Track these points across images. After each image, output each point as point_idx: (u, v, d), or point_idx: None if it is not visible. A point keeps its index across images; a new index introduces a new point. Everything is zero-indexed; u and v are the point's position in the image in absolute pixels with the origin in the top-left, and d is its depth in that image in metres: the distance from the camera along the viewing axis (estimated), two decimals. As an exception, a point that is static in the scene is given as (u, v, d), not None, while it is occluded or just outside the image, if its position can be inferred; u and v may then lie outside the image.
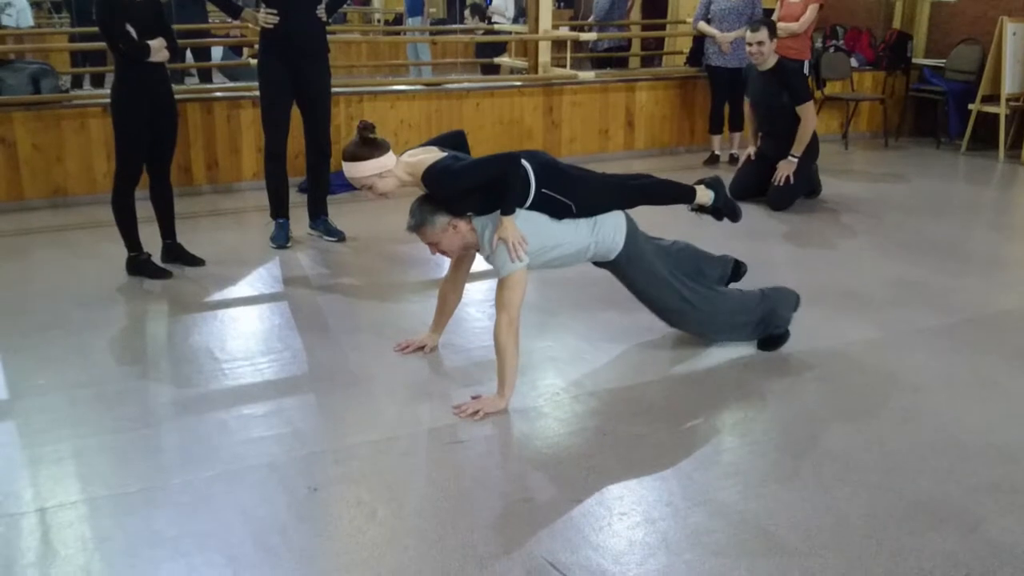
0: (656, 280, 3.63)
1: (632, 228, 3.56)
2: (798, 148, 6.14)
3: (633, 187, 3.67)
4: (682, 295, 3.64)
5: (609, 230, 3.49)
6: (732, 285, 3.98)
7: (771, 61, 6.16)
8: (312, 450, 2.99)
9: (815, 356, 3.76)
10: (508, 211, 3.24)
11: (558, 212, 3.40)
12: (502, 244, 3.22)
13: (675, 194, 3.81)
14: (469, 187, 3.22)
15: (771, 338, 3.78)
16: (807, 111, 6.14)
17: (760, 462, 2.96)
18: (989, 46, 8.04)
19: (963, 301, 4.44)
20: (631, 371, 3.63)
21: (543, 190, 3.35)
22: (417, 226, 3.29)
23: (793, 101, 6.11)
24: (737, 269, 3.99)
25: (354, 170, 3.25)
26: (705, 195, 3.81)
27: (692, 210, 3.88)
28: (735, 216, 3.91)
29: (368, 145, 3.23)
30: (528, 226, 3.29)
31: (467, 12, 10.82)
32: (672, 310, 3.71)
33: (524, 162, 3.32)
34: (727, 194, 3.87)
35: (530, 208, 3.35)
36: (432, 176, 3.20)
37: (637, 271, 3.62)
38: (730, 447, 3.07)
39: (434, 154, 3.30)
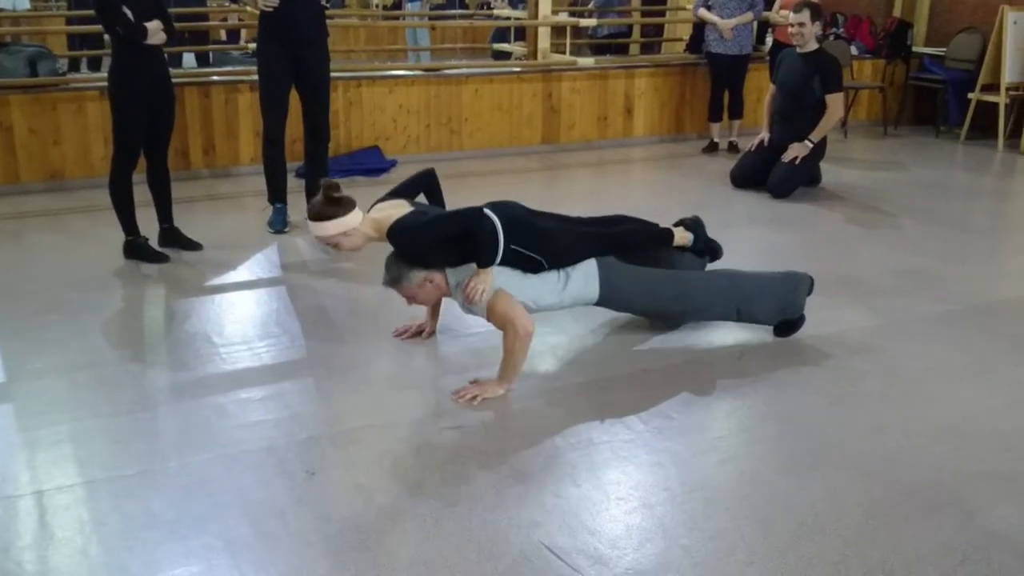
0: (644, 299, 3.66)
1: (606, 272, 3.54)
2: (817, 135, 6.15)
3: (607, 235, 3.66)
4: (673, 297, 3.65)
5: (579, 284, 3.50)
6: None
7: (812, 44, 6.20)
8: (310, 434, 2.99)
9: (814, 343, 3.76)
10: (484, 265, 3.26)
11: (529, 268, 3.41)
12: (480, 296, 3.23)
13: (652, 239, 3.79)
14: (433, 243, 3.24)
15: (786, 324, 3.77)
16: (836, 101, 6.17)
17: (758, 448, 2.96)
18: (989, 35, 8.01)
19: (962, 289, 4.44)
20: (630, 358, 3.63)
21: (512, 246, 3.35)
22: (393, 281, 3.32)
23: (824, 88, 6.12)
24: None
25: (320, 229, 3.28)
26: (684, 237, 3.81)
27: None
28: (716, 255, 3.92)
29: (333, 204, 3.26)
30: (499, 281, 3.30)
31: None
32: (670, 313, 3.72)
33: (492, 215, 3.32)
34: (707, 234, 3.87)
35: (501, 264, 3.34)
36: (395, 235, 3.24)
37: (622, 303, 3.67)
38: (728, 433, 3.07)
39: (401, 209, 3.33)
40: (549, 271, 3.46)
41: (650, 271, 3.68)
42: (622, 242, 3.68)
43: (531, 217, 3.51)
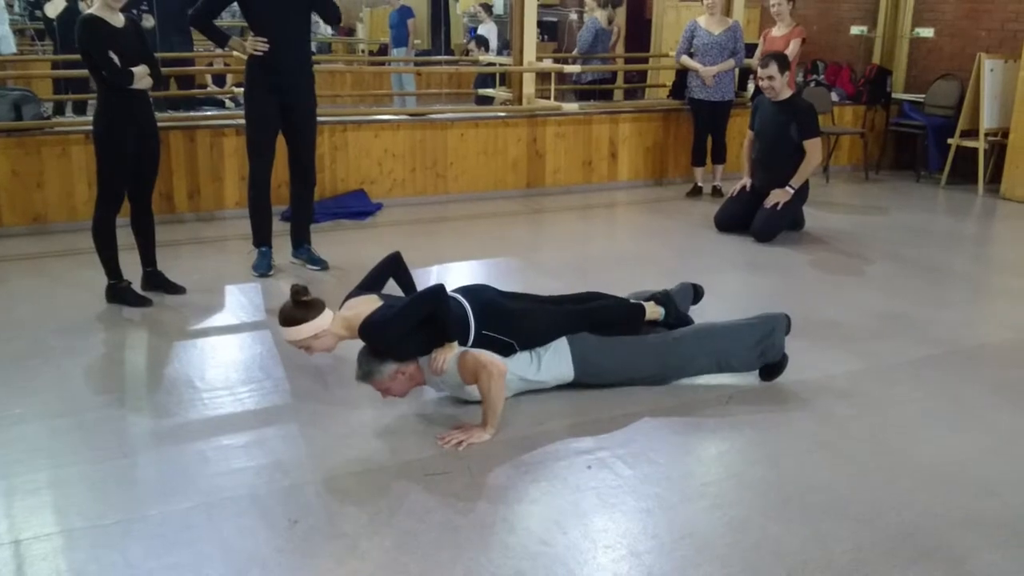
0: (621, 371, 3.66)
1: (579, 349, 3.56)
2: (797, 180, 6.20)
3: (579, 313, 3.68)
4: (649, 361, 3.67)
5: (552, 364, 3.52)
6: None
7: (785, 93, 6.27)
8: (293, 481, 2.95)
9: (799, 388, 3.76)
10: (450, 339, 3.28)
11: (501, 351, 3.42)
12: (444, 364, 3.25)
13: (623, 316, 3.81)
14: (405, 332, 3.23)
15: (770, 367, 3.78)
16: (814, 146, 6.22)
17: (745, 494, 2.94)
18: (967, 82, 8.16)
19: (945, 333, 4.46)
20: (617, 402, 3.61)
21: (484, 331, 3.38)
22: (365, 376, 3.30)
23: (801, 135, 6.18)
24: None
25: (290, 334, 3.29)
26: (655, 312, 3.85)
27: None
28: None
29: (302, 307, 3.27)
30: None
31: (472, 44, 10.90)
32: (649, 377, 3.71)
33: (462, 299, 3.38)
34: (677, 308, 3.91)
35: (473, 347, 3.36)
36: (367, 332, 3.25)
37: (600, 377, 3.65)
38: (715, 479, 3.05)
39: (371, 304, 3.34)
40: (521, 352, 3.48)
41: (622, 340, 3.69)
42: (594, 319, 3.69)
43: (502, 299, 3.55)
